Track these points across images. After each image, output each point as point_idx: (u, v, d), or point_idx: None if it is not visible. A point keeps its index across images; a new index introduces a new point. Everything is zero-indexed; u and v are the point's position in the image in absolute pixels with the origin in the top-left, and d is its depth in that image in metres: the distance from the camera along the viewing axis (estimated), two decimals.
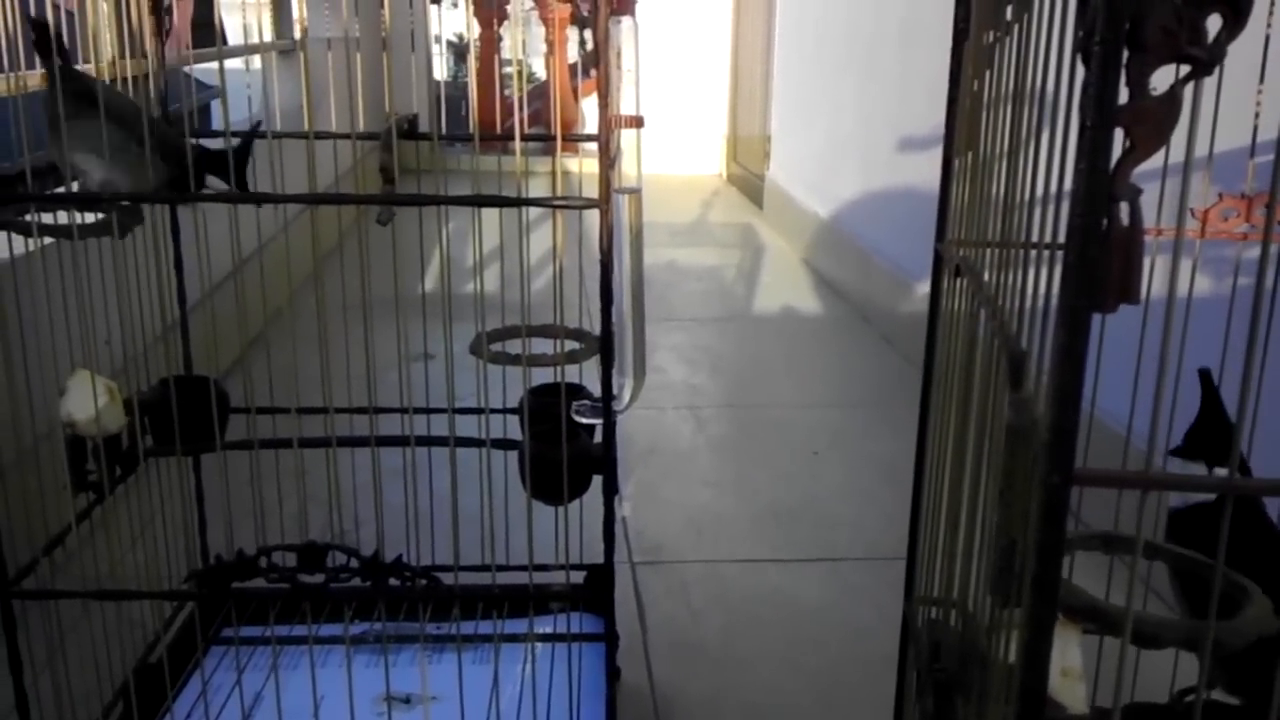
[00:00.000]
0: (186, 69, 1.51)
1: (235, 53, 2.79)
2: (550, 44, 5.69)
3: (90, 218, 1.12)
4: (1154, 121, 0.46)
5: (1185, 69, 0.47)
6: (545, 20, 5.63)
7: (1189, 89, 0.47)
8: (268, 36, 3.69)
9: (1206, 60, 0.46)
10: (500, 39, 5.67)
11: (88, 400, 1.11)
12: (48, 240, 1.09)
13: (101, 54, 1.27)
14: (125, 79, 1.27)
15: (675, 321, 3.30)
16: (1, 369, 1.06)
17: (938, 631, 0.85)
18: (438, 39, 6.57)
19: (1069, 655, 0.67)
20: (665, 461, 2.29)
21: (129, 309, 1.19)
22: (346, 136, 1.20)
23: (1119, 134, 0.46)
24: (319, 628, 1.35)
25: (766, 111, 5.08)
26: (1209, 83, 0.55)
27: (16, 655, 1.11)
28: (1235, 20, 0.47)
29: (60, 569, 1.17)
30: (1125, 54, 0.46)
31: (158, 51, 1.32)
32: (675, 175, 6.13)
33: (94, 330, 1.13)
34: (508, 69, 5.79)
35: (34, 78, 1.13)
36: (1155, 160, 0.66)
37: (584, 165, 1.15)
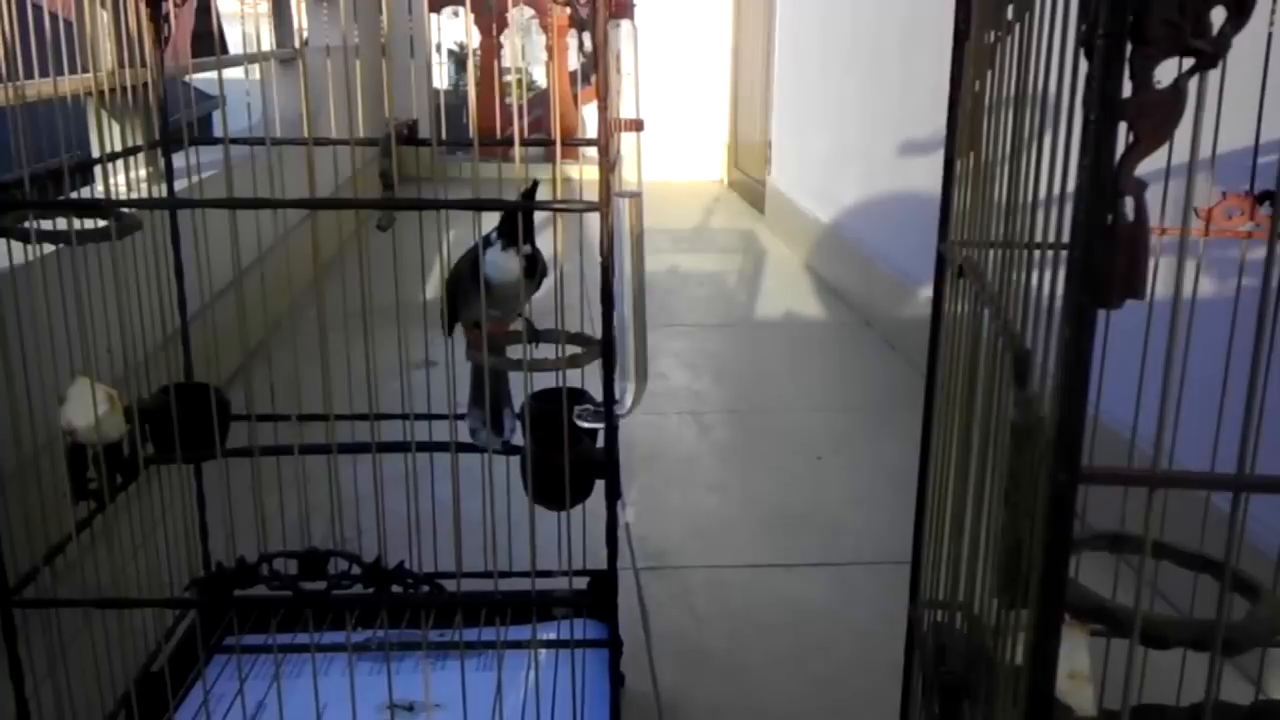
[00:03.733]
0: (187, 79, 1.51)
1: (234, 61, 2.79)
2: (550, 50, 5.69)
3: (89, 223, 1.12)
4: (1158, 115, 0.46)
5: (1189, 62, 0.47)
6: (545, 27, 5.63)
7: (1193, 83, 0.47)
8: (267, 45, 3.69)
9: (1211, 53, 0.45)
10: (500, 46, 5.68)
11: (88, 408, 1.10)
12: (47, 247, 1.09)
13: (100, 63, 1.27)
14: (124, 88, 1.27)
15: (678, 327, 3.29)
16: (1, 377, 1.06)
17: (943, 634, 0.85)
18: (438, 47, 6.57)
19: (1076, 657, 0.66)
20: (668, 467, 2.28)
21: (129, 316, 1.19)
22: (345, 143, 1.20)
23: (1123, 128, 0.46)
24: (321, 636, 1.35)
25: (767, 117, 5.08)
26: (1213, 77, 0.54)
27: (17, 664, 1.11)
28: (1239, 12, 0.47)
29: (61, 578, 1.16)
30: (1128, 47, 0.45)
31: (157, 60, 1.32)
32: (676, 181, 6.13)
33: (94, 338, 1.13)
34: (509, 77, 5.79)
35: (32, 87, 1.13)
36: (1159, 158, 0.65)
37: (585, 172, 1.14)
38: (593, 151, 1.05)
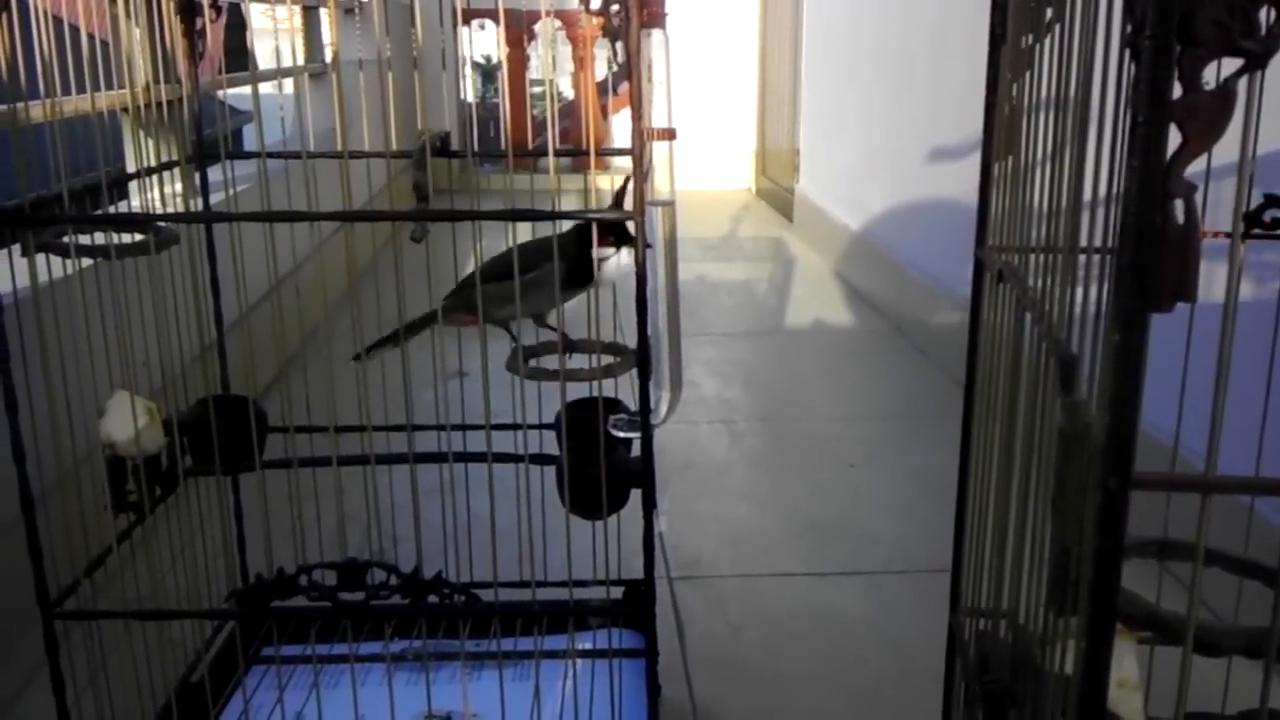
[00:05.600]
0: (220, 94, 1.52)
1: (268, 76, 2.81)
2: (578, 61, 5.70)
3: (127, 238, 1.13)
4: (1207, 117, 0.45)
5: (1238, 63, 0.46)
6: (573, 39, 5.65)
7: (1242, 83, 0.46)
8: (299, 60, 3.72)
9: (1260, 53, 0.45)
10: (529, 58, 5.69)
11: (127, 421, 1.11)
12: (86, 261, 1.10)
13: (135, 79, 1.28)
14: (159, 104, 1.28)
15: (708, 336, 3.29)
16: (42, 391, 1.07)
17: (986, 643, 0.84)
18: (466, 60, 6.59)
19: (1125, 665, 0.65)
20: (701, 476, 2.28)
21: (167, 329, 1.20)
22: (380, 155, 1.21)
23: (1171, 130, 0.45)
24: (359, 646, 1.35)
25: (795, 125, 5.07)
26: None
27: (59, 675, 1.12)
28: None
29: (102, 590, 1.17)
30: (1176, 48, 0.45)
31: (191, 76, 1.33)
32: (704, 190, 6.12)
33: (132, 351, 1.14)
34: (535, 89, 5.81)
35: (69, 104, 1.14)
36: (1198, 160, 0.65)
37: (615, 182, 1.14)
38: (623, 161, 1.05)
